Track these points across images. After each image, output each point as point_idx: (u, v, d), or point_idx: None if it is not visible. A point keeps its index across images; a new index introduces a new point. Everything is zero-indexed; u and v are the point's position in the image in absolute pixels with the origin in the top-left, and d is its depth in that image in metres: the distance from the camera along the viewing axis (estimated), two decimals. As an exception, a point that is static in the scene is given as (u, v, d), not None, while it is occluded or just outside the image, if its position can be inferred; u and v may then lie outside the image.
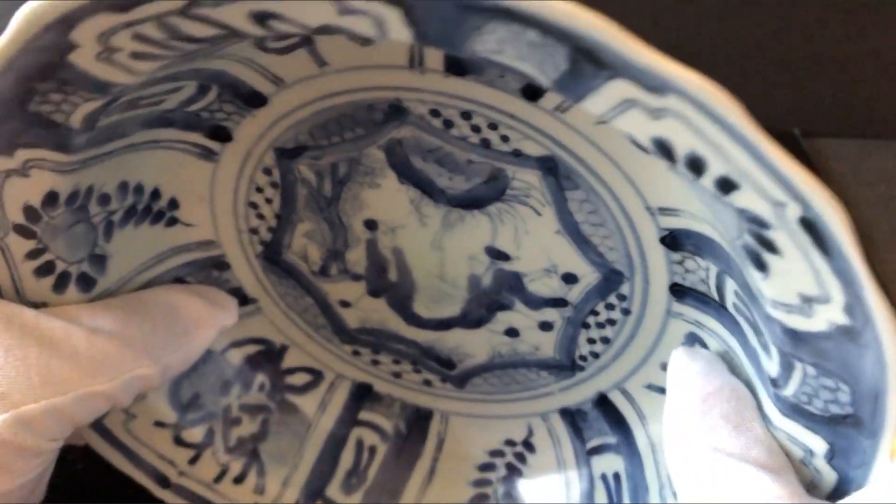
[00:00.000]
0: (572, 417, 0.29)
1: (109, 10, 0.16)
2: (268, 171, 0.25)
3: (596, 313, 0.26)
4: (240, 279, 0.29)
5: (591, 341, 0.27)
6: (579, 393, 0.29)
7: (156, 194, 0.26)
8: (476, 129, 0.22)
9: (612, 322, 0.26)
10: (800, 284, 0.17)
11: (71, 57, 0.18)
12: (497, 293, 0.27)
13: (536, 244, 0.25)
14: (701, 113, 0.15)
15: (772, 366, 0.21)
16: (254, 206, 0.27)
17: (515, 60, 0.16)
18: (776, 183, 0.15)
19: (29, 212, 0.22)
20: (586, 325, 0.27)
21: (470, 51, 0.16)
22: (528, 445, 0.31)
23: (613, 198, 0.23)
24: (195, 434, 0.30)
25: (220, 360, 0.30)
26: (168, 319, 0.26)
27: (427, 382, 0.31)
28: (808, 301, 0.18)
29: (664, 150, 0.16)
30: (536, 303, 0.27)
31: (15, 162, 0.21)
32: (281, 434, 0.32)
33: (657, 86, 0.15)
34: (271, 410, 0.31)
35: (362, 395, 0.32)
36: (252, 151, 0.25)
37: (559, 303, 0.26)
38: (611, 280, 0.25)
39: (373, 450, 0.31)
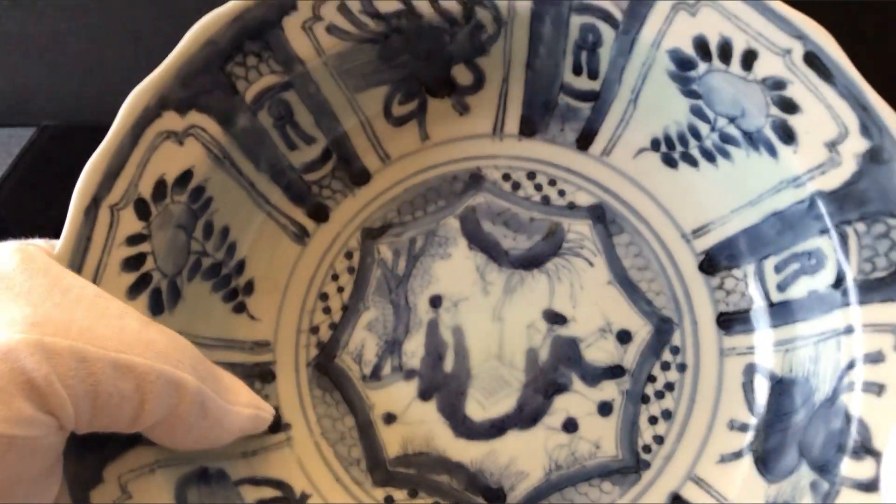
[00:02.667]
0: (645, 543, 0.25)
1: None
2: (349, 255, 0.28)
3: (653, 379, 0.26)
4: (280, 396, 0.28)
5: (653, 420, 0.26)
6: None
7: (241, 267, 0.28)
8: (538, 187, 0.28)
9: (670, 387, 0.26)
10: (821, 132, 0.23)
11: (285, 20, 0.25)
12: (554, 369, 0.27)
13: (591, 299, 0.27)
14: None
15: (828, 273, 0.23)
16: (324, 297, 0.28)
17: None
18: (781, 29, 0.23)
19: (158, 188, 0.25)
20: (645, 399, 0.26)
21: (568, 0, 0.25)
22: None
23: (653, 233, 0.27)
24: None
25: (231, 490, 0.26)
26: (214, 372, 0.25)
27: (469, 533, 0.26)
28: (832, 147, 0.23)
29: (702, 49, 0.24)
30: (594, 375, 0.27)
31: (182, 123, 0.25)
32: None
33: None
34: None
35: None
36: (341, 233, 0.29)
37: (616, 371, 0.27)
38: (662, 331, 0.27)
39: None
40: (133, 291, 0.25)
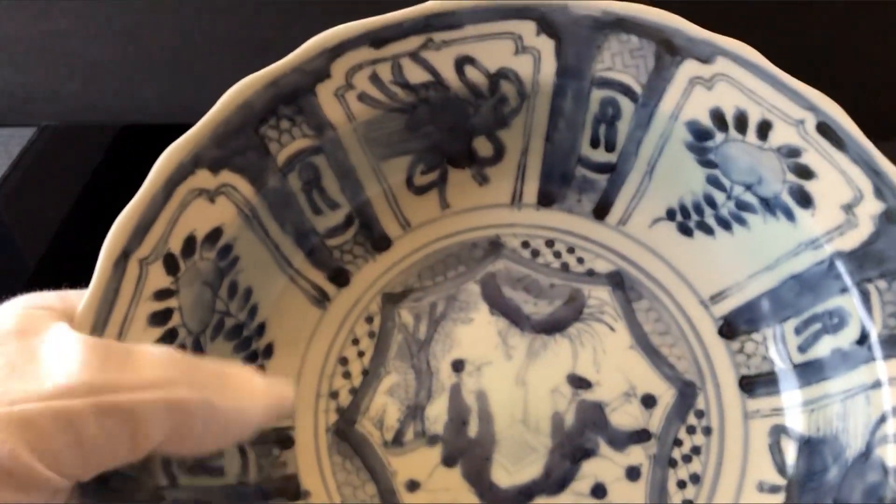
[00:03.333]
0: None
1: (372, 44, 0.26)
2: (369, 320, 0.28)
3: (679, 443, 0.26)
4: (299, 463, 0.27)
5: (682, 485, 0.26)
6: (681, 570, 0.25)
7: (261, 329, 0.27)
8: (557, 254, 0.29)
9: (697, 451, 0.26)
10: (837, 195, 0.24)
11: (318, 87, 0.26)
12: (580, 434, 0.26)
13: (614, 364, 0.27)
14: (737, 64, 0.25)
15: (852, 331, 0.24)
16: (343, 361, 0.28)
17: (621, 72, 0.26)
18: (793, 101, 0.25)
19: (188, 244, 0.25)
20: (673, 463, 0.26)
21: (591, 74, 0.26)
22: None
23: (671, 299, 0.28)
24: None
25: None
26: (216, 376, 0.23)
27: None
28: (849, 209, 0.24)
29: (719, 120, 0.25)
30: (621, 440, 0.26)
31: (215, 182, 0.25)
32: None
33: (708, 54, 0.25)
34: None
35: None
36: (361, 298, 0.28)
37: (643, 436, 0.26)
38: (686, 395, 0.27)
39: None
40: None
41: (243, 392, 0.24)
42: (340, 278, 0.29)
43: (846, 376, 0.25)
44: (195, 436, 0.22)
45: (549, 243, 0.30)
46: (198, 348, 0.26)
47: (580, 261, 0.29)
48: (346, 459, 0.27)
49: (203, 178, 0.26)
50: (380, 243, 0.30)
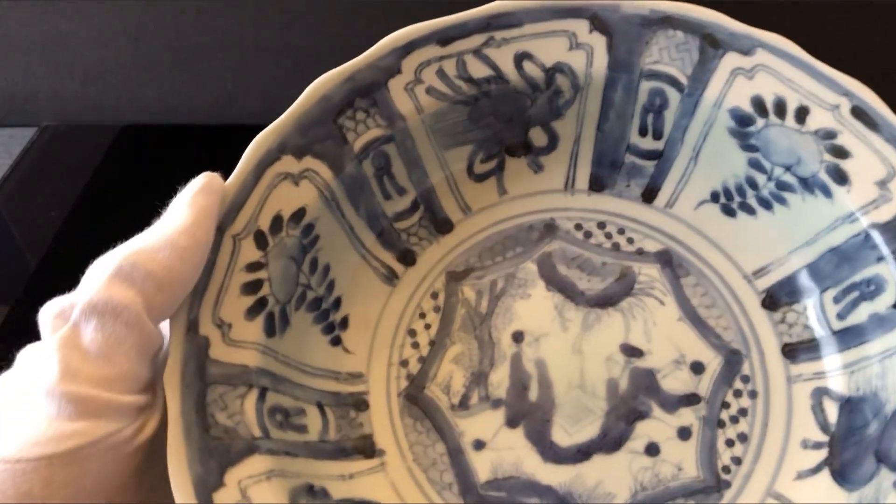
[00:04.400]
0: (731, 560, 0.26)
1: (438, 42, 0.29)
2: (435, 296, 0.30)
3: (727, 405, 0.28)
4: (373, 424, 0.29)
5: (730, 443, 0.28)
6: (732, 521, 0.26)
7: (338, 303, 0.30)
8: (608, 235, 0.31)
9: (744, 413, 0.28)
10: (872, 173, 0.26)
11: (390, 82, 0.29)
12: (634, 398, 0.28)
13: (664, 334, 0.29)
14: (775, 55, 0.27)
15: (888, 296, 0.26)
16: (412, 333, 0.30)
17: (668, 65, 0.28)
18: (829, 88, 0.27)
19: (275, 222, 0.27)
20: (721, 424, 0.28)
21: (640, 67, 0.28)
22: None
23: (717, 275, 0.30)
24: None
25: (332, 509, 0.26)
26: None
27: (560, 555, 0.26)
28: (882, 185, 0.26)
29: (760, 107, 0.28)
30: (671, 403, 0.28)
31: (298, 167, 0.28)
32: None
33: (749, 47, 0.28)
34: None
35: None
36: (427, 276, 0.31)
37: (692, 399, 0.28)
38: (732, 362, 0.29)
39: None
40: (251, 313, 0.27)
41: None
42: (408, 258, 0.32)
43: (883, 338, 0.27)
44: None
45: (601, 225, 0.32)
46: (284, 318, 0.28)
47: (630, 241, 0.32)
48: (416, 421, 0.30)
49: (288, 164, 0.28)
50: (443, 226, 0.32)
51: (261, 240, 0.28)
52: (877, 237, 0.27)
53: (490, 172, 0.32)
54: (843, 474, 0.26)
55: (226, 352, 0.26)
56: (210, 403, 0.25)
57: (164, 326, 0.26)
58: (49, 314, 0.23)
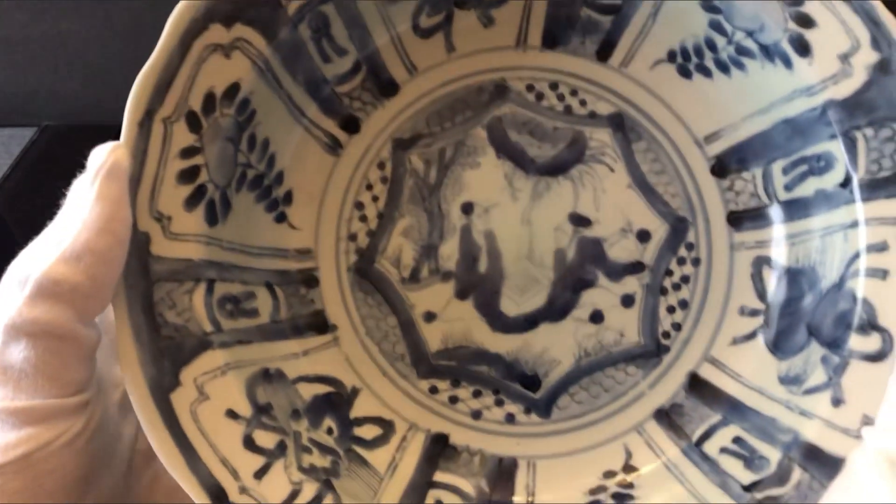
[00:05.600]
0: (668, 418, 0.28)
1: None
2: (381, 165, 0.30)
3: (670, 273, 0.29)
4: (324, 299, 0.29)
5: (671, 310, 0.29)
6: (670, 383, 0.29)
7: (280, 178, 0.29)
8: (560, 97, 0.30)
9: (686, 280, 0.29)
10: (835, 45, 0.25)
11: None
12: (581, 267, 0.29)
13: (612, 202, 0.30)
14: None
15: (836, 174, 0.26)
16: (359, 206, 0.30)
17: None
18: None
19: (208, 101, 0.26)
20: (664, 291, 0.29)
21: None
22: (630, 468, 0.28)
23: (668, 139, 0.30)
24: (267, 439, 0.25)
25: (290, 388, 0.28)
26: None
27: (510, 418, 0.29)
28: (845, 59, 0.25)
29: None
30: (617, 271, 0.29)
31: (229, 36, 0.25)
32: (353, 478, 0.27)
33: None
34: (340, 456, 0.27)
35: (437, 451, 0.28)
36: (373, 144, 0.30)
37: (637, 267, 0.29)
38: (678, 230, 0.29)
39: None
40: (190, 204, 0.26)
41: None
42: (351, 125, 0.30)
43: (827, 215, 0.27)
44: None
45: (553, 86, 0.30)
46: (225, 202, 0.27)
47: (583, 103, 0.30)
48: (367, 295, 0.30)
49: (217, 33, 0.26)
50: (387, 89, 0.30)
51: (193, 122, 0.26)
52: (832, 114, 0.26)
53: (437, 27, 0.30)
54: (776, 343, 0.28)
55: (168, 247, 0.25)
56: (157, 303, 0.25)
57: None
58: None
